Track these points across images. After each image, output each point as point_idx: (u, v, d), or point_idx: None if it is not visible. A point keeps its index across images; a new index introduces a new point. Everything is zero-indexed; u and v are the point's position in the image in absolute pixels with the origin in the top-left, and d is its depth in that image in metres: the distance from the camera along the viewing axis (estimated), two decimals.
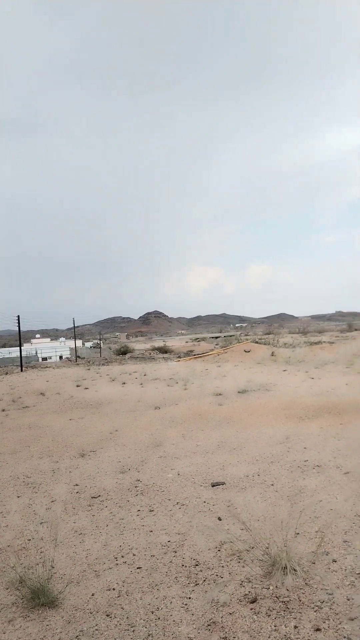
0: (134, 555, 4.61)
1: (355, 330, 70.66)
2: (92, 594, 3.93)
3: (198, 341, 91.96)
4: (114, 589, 3.99)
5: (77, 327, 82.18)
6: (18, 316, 52.39)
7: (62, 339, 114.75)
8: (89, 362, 57.12)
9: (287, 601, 3.56)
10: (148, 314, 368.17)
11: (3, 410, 16.56)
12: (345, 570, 3.92)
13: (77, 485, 7.14)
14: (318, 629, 3.21)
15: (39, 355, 77.92)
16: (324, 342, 42.43)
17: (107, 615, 3.61)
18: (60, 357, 79.12)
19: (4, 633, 3.47)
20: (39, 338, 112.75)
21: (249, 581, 3.91)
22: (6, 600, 3.93)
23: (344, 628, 3.20)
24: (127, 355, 63.81)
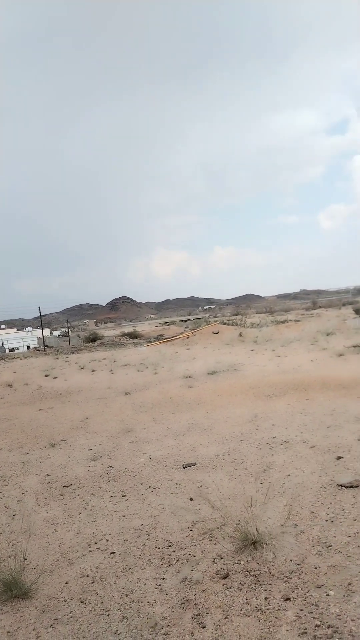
0: (107, 541, 4.64)
1: (320, 307, 72.36)
2: (66, 582, 3.94)
3: (168, 325, 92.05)
4: (87, 576, 4.01)
5: (44, 315, 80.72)
6: None
7: (29, 328, 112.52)
8: (57, 351, 56.32)
9: (258, 574, 3.67)
10: (116, 299, 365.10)
11: None
12: (313, 540, 4.07)
13: (48, 475, 7.08)
14: (287, 599, 3.33)
15: (6, 346, 76.32)
16: (290, 320, 43.28)
17: (82, 602, 3.63)
18: (28, 347, 77.69)
19: None
20: (4, 329, 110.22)
21: (221, 558, 4.01)
22: None
23: (312, 595, 3.33)
24: (97, 342, 63.25)
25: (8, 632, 3.35)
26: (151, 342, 48.53)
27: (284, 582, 3.53)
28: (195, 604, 3.43)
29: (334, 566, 3.63)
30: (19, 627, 3.40)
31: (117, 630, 3.24)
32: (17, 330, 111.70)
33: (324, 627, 2.99)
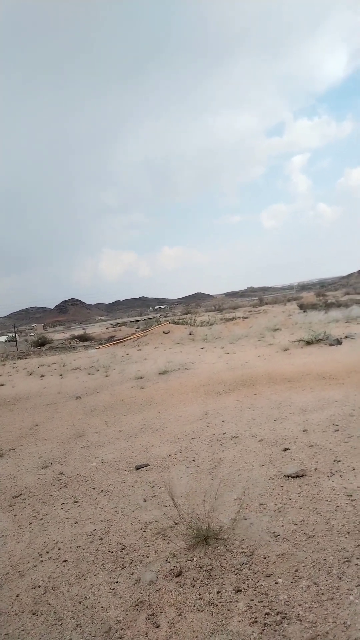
0: (59, 549, 4.56)
1: (266, 304, 74.34)
2: (17, 595, 3.85)
3: (119, 326, 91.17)
4: (39, 586, 3.93)
5: None
6: None
7: None
8: (4, 357, 54.36)
9: (210, 569, 3.75)
10: (64, 302, 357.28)
11: None
12: (262, 531, 4.20)
13: None
14: (239, 590, 3.43)
15: None
16: (238, 317, 44.17)
17: (34, 614, 3.56)
18: None
19: None
20: None
21: (174, 556, 4.05)
22: None
23: (261, 585, 3.44)
24: (46, 347, 61.60)
25: None
26: (102, 344, 47.93)
27: (235, 574, 3.63)
28: (149, 605, 3.45)
29: (282, 554, 3.77)
30: None
31: (71, 639, 3.20)
32: None
33: (273, 614, 3.11)
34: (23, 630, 3.38)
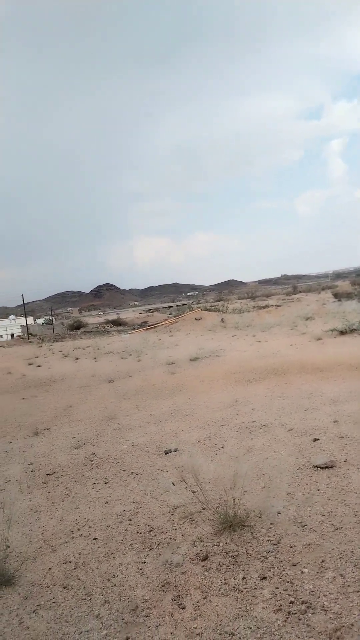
0: (89, 527, 4.71)
1: (300, 292, 73.06)
2: (49, 569, 4.01)
3: (152, 312, 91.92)
4: (70, 562, 4.09)
5: (27, 303, 79.71)
6: None
7: (12, 316, 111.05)
8: (41, 339, 55.88)
9: (236, 555, 3.79)
10: (99, 287, 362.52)
11: None
12: (289, 520, 4.20)
13: (31, 464, 7.12)
14: (264, 577, 3.45)
15: None
16: (271, 305, 43.66)
17: (64, 588, 3.70)
18: (12, 336, 76.81)
19: None
20: None
21: (201, 540, 4.12)
22: None
23: (287, 574, 3.45)
24: (81, 330, 62.88)
25: None
26: (135, 329, 48.48)
27: (261, 562, 3.66)
28: (175, 586, 3.53)
29: (309, 545, 3.77)
30: (1, 614, 3.46)
31: (99, 614, 3.33)
32: (0, 318, 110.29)
33: (298, 603, 3.12)
34: (54, 602, 3.53)
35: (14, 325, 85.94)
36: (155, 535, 4.35)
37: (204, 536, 4.18)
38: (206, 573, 3.63)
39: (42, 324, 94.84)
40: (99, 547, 4.28)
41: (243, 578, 3.50)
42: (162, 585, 3.56)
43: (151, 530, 4.46)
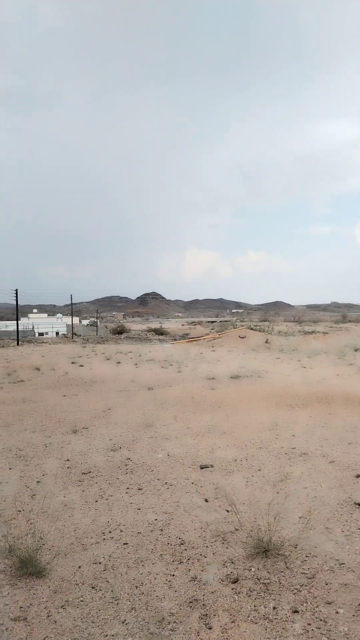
0: (121, 531, 4.73)
1: (349, 321, 70.99)
2: (79, 567, 4.05)
3: (194, 324, 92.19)
4: (100, 563, 4.11)
5: (75, 304, 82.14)
6: (16, 290, 52.24)
7: (59, 315, 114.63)
8: (84, 339, 57.24)
9: (268, 583, 3.69)
10: (145, 294, 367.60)
11: None
12: (326, 556, 4.05)
13: (68, 460, 7.25)
14: (296, 611, 3.33)
15: (36, 330, 77.86)
16: (318, 332, 42.66)
17: (93, 588, 3.72)
18: (57, 334, 79.11)
19: None
20: (36, 313, 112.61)
21: (232, 562, 4.03)
22: None
23: (320, 611, 3.32)
24: (123, 335, 63.95)
25: (21, 607, 3.47)
26: (176, 340, 48.71)
27: (294, 594, 3.53)
28: (203, 605, 3.47)
29: (346, 584, 3.61)
30: (31, 604, 3.52)
31: (125, 620, 3.31)
32: (48, 315, 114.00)
33: None
34: (82, 601, 3.55)
35: (60, 323, 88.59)
36: (185, 550, 4.30)
37: (236, 558, 4.09)
38: (236, 596, 3.55)
39: (87, 325, 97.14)
40: (129, 553, 4.28)
41: (274, 608, 3.39)
42: (190, 602, 3.51)
43: (182, 544, 4.41)
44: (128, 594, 3.63)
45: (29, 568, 3.89)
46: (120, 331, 71.34)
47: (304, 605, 3.39)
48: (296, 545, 4.23)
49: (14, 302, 53.27)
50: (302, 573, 3.80)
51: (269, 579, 3.74)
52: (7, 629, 3.24)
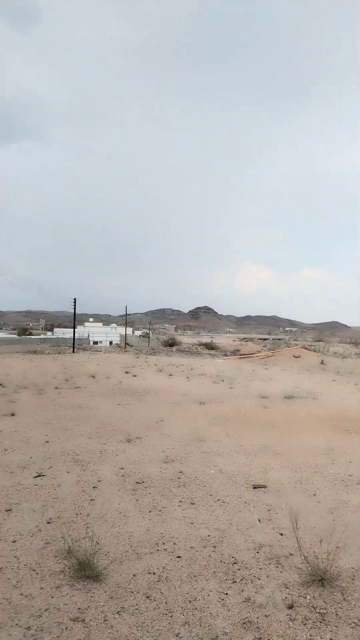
0: (174, 544, 4.77)
1: None
2: (134, 575, 4.13)
3: (245, 341, 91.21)
4: (154, 573, 4.17)
5: (129, 315, 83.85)
6: (74, 299, 54.14)
7: (114, 325, 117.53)
8: (137, 350, 58.23)
9: (324, 613, 3.59)
10: (198, 308, 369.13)
11: (56, 387, 17.31)
12: None
13: (122, 468, 7.41)
14: None
15: (91, 338, 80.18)
16: None
17: (147, 597, 3.78)
18: (110, 343, 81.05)
19: (52, 597, 3.73)
20: (91, 322, 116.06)
21: (287, 587, 3.96)
22: (55, 567, 4.20)
23: None
24: (174, 348, 64.46)
25: (79, 608, 3.60)
26: (227, 355, 48.41)
27: (352, 628, 3.42)
28: (257, 627, 3.43)
29: None
30: (88, 607, 3.63)
31: (179, 634, 3.34)
32: (103, 325, 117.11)
33: None
34: (137, 609, 3.62)
35: (114, 333, 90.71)
36: (239, 569, 4.27)
37: (290, 584, 4.02)
38: (290, 623, 3.48)
39: (139, 336, 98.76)
40: (182, 566, 4.31)
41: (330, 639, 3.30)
42: (244, 623, 3.48)
43: (235, 563, 4.39)
44: (182, 607, 3.66)
45: (86, 571, 4.02)
46: (171, 343, 71.99)
47: None
48: (354, 576, 4.09)
49: (72, 311, 55.18)
50: None
51: (325, 609, 3.65)
52: (66, 628, 3.37)
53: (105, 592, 3.84)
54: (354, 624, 3.47)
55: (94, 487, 6.43)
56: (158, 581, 4.04)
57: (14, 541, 4.70)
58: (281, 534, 5.02)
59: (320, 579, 3.99)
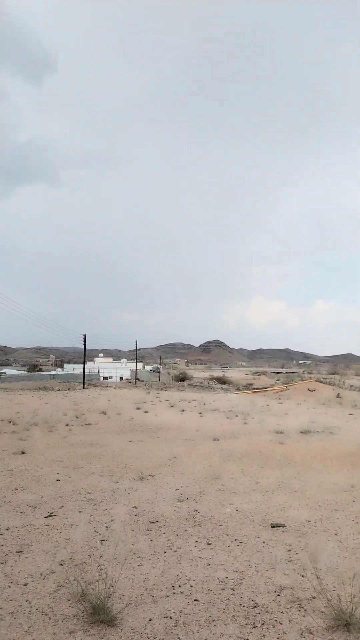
0: (191, 586, 4.60)
1: None
2: (150, 619, 3.96)
3: (258, 375, 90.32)
4: (171, 618, 4.00)
5: (139, 349, 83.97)
6: (85, 335, 54.51)
7: (124, 360, 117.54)
8: (148, 385, 57.90)
9: None
10: (209, 342, 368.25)
11: (67, 425, 17.19)
12: None
13: (136, 507, 7.23)
14: None
15: (101, 374, 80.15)
16: None
17: None
18: (121, 378, 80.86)
19: None
20: (101, 357, 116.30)
21: (310, 632, 3.77)
22: (68, 611, 4.06)
23: None
24: (186, 382, 63.99)
25: None
26: (240, 390, 47.88)
27: None
28: None
29: None
30: None
31: None
32: (113, 360, 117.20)
33: None
34: None
35: (124, 368, 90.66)
36: (259, 613, 4.09)
37: (314, 629, 3.82)
38: None
39: (150, 371, 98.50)
40: (199, 610, 4.14)
41: None
42: None
43: (255, 607, 4.20)
44: None
45: (100, 615, 3.88)
46: (182, 378, 71.53)
47: None
48: None
49: (82, 346, 55.44)
50: None
51: None
52: None
53: (121, 637, 3.69)
54: None
55: (106, 527, 6.27)
56: (175, 626, 3.88)
57: (26, 584, 4.57)
58: (302, 576, 4.82)
59: (345, 623, 3.80)
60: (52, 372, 77.30)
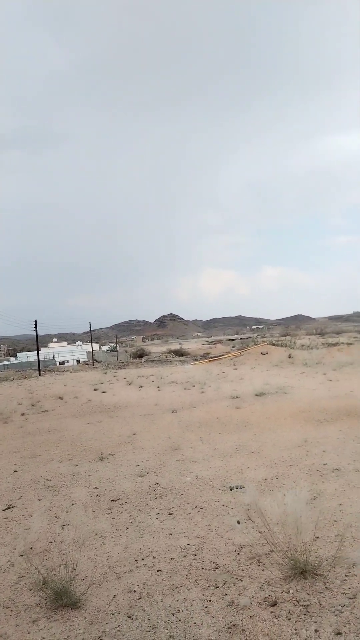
0: (154, 558, 4.66)
1: None
2: (114, 596, 4.00)
3: (214, 343, 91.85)
4: (135, 591, 4.05)
5: (94, 330, 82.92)
6: (35, 321, 53.05)
7: (79, 342, 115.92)
8: (106, 365, 57.55)
9: (308, 605, 3.58)
10: (164, 317, 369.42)
11: (22, 414, 16.81)
12: None
13: (96, 488, 7.22)
14: (339, 633, 3.22)
15: (56, 359, 78.69)
16: (342, 343, 42.00)
17: (129, 617, 3.67)
18: (78, 361, 79.77)
19: (28, 633, 3.56)
20: (55, 342, 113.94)
21: (269, 584, 3.93)
22: (30, 601, 4.02)
23: None
24: (144, 359, 64.07)
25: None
26: (197, 360, 48.56)
27: (335, 615, 3.42)
28: (243, 630, 3.38)
29: None
30: (68, 637, 3.48)
31: None
32: (68, 344, 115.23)
33: None
34: (119, 631, 3.50)
35: (80, 350, 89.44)
36: (220, 574, 4.21)
37: (272, 580, 3.99)
38: (275, 620, 3.45)
39: (107, 350, 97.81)
40: (163, 580, 4.21)
41: (316, 631, 3.28)
42: (229, 627, 3.42)
43: (216, 568, 4.33)
44: (165, 622, 3.56)
45: (63, 599, 3.86)
46: (140, 355, 71.55)
47: (347, 627, 3.28)
48: (334, 564, 4.11)
49: (34, 333, 54.03)
50: (342, 593, 3.68)
51: (308, 600, 3.63)
52: None
53: (85, 618, 3.70)
54: (337, 611, 3.47)
55: (67, 512, 6.23)
56: (139, 598, 3.93)
57: None
58: (260, 533, 4.99)
59: (301, 571, 3.99)
60: (5, 362, 75.06)
